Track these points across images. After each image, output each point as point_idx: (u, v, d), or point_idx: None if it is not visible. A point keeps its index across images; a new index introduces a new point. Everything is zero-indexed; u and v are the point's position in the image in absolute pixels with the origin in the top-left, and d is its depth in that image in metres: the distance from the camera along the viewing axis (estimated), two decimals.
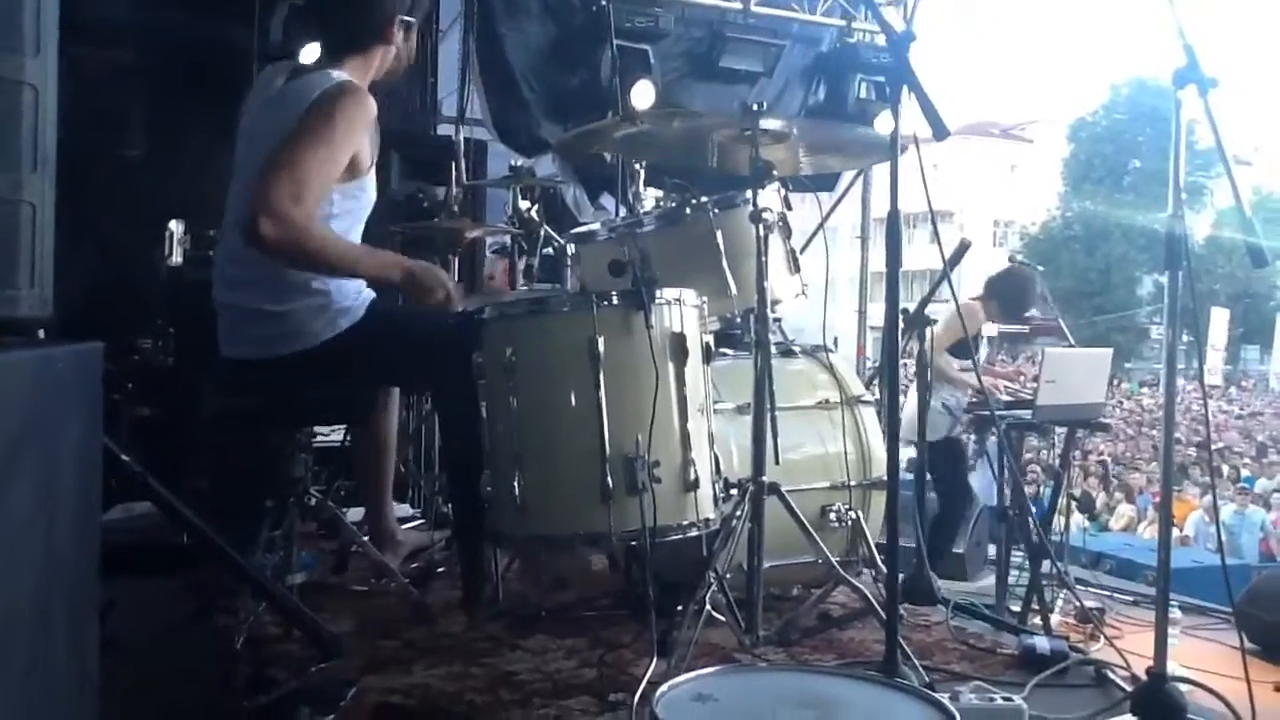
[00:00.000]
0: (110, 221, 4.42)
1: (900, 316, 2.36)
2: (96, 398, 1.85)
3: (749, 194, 2.79)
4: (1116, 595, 3.70)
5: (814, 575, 2.99)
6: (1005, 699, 2.27)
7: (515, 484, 2.47)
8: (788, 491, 2.71)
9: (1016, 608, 3.27)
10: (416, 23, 2.88)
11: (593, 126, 3.28)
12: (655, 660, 2.34)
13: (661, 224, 3.01)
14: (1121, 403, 22.42)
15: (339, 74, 2.66)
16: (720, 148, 2.92)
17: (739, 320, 2.97)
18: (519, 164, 4.51)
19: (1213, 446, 13.84)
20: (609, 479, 2.40)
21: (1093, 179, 36.73)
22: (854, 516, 3.03)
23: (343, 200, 2.68)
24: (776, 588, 3.06)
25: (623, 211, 4.33)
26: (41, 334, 1.73)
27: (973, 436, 4.92)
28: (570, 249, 3.35)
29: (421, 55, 5.70)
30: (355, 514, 3.47)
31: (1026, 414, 3.56)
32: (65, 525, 1.68)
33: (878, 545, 2.99)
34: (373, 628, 2.83)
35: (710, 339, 2.67)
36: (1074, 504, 4.00)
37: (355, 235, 2.79)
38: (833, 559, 2.76)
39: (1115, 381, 25.37)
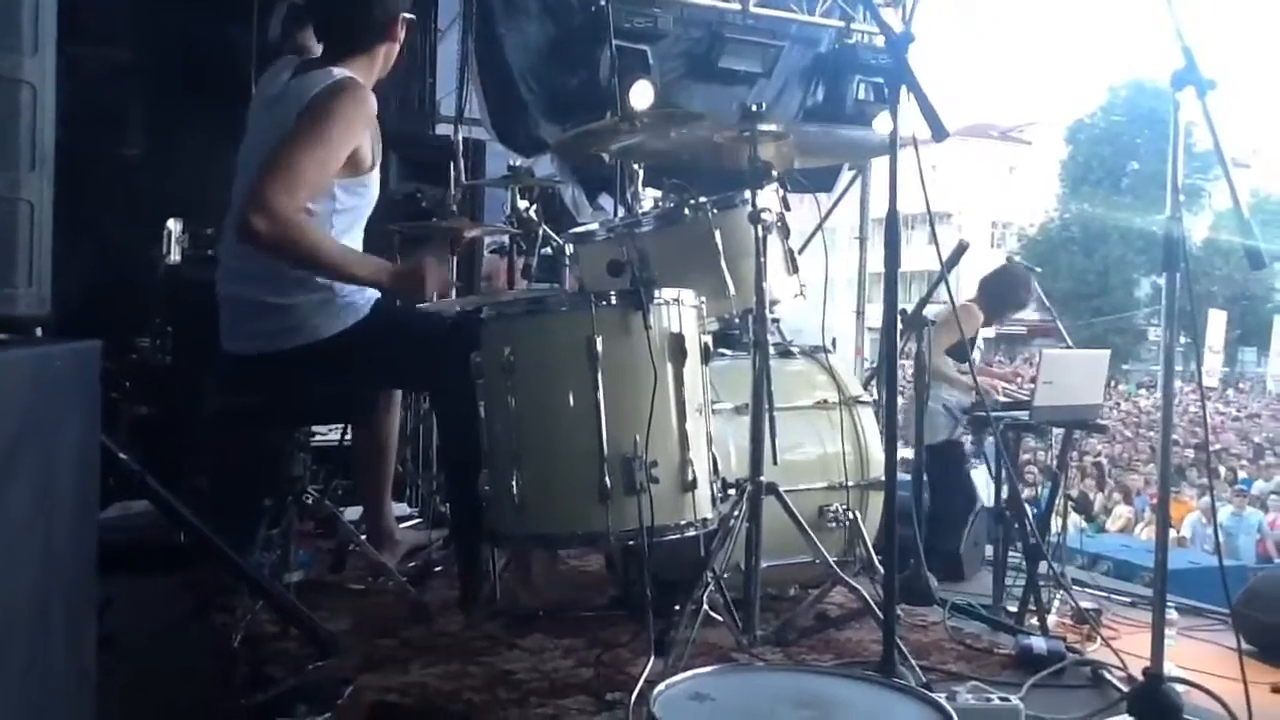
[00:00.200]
0: (108, 220, 4.41)
1: (898, 317, 2.37)
2: (94, 396, 1.85)
3: (747, 194, 2.79)
4: (1113, 596, 3.71)
5: (811, 575, 3.00)
6: (1002, 699, 2.27)
7: (513, 483, 2.47)
8: (785, 492, 2.71)
9: (1014, 608, 3.27)
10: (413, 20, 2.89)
11: (591, 127, 3.28)
12: (652, 660, 2.34)
13: (660, 224, 3.01)
14: (1119, 404, 22.44)
15: (340, 71, 2.67)
16: (719, 147, 2.92)
17: (737, 320, 2.96)
18: (517, 164, 4.51)
19: (1210, 448, 13.85)
20: (607, 479, 2.40)
21: (1091, 181, 36.75)
22: (851, 517, 3.04)
23: (345, 196, 2.69)
24: (774, 588, 3.06)
25: (621, 211, 4.33)
26: (39, 332, 1.73)
27: (970, 437, 4.92)
28: (569, 249, 3.35)
29: (420, 55, 5.73)
30: (353, 513, 3.47)
31: (1024, 415, 3.57)
32: (63, 523, 1.68)
33: (875, 546, 2.99)
34: (370, 626, 2.84)
35: (709, 339, 2.67)
36: (1071, 505, 4.00)
37: (357, 232, 2.80)
38: (830, 559, 2.76)
39: (1113, 383, 25.40)
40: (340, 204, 2.66)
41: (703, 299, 2.69)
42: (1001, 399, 4.30)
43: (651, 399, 2.42)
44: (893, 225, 2.23)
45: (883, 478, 2.96)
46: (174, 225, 4.24)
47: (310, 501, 2.95)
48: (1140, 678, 2.35)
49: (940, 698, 1.83)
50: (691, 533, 2.54)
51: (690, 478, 2.50)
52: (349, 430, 3.57)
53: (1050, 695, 2.56)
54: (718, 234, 2.91)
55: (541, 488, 2.48)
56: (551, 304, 2.64)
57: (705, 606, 2.51)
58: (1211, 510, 8.84)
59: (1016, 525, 3.38)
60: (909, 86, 2.19)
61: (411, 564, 3.30)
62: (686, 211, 2.98)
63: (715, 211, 2.94)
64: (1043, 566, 3.26)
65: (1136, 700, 2.33)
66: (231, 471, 3.50)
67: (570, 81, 6.13)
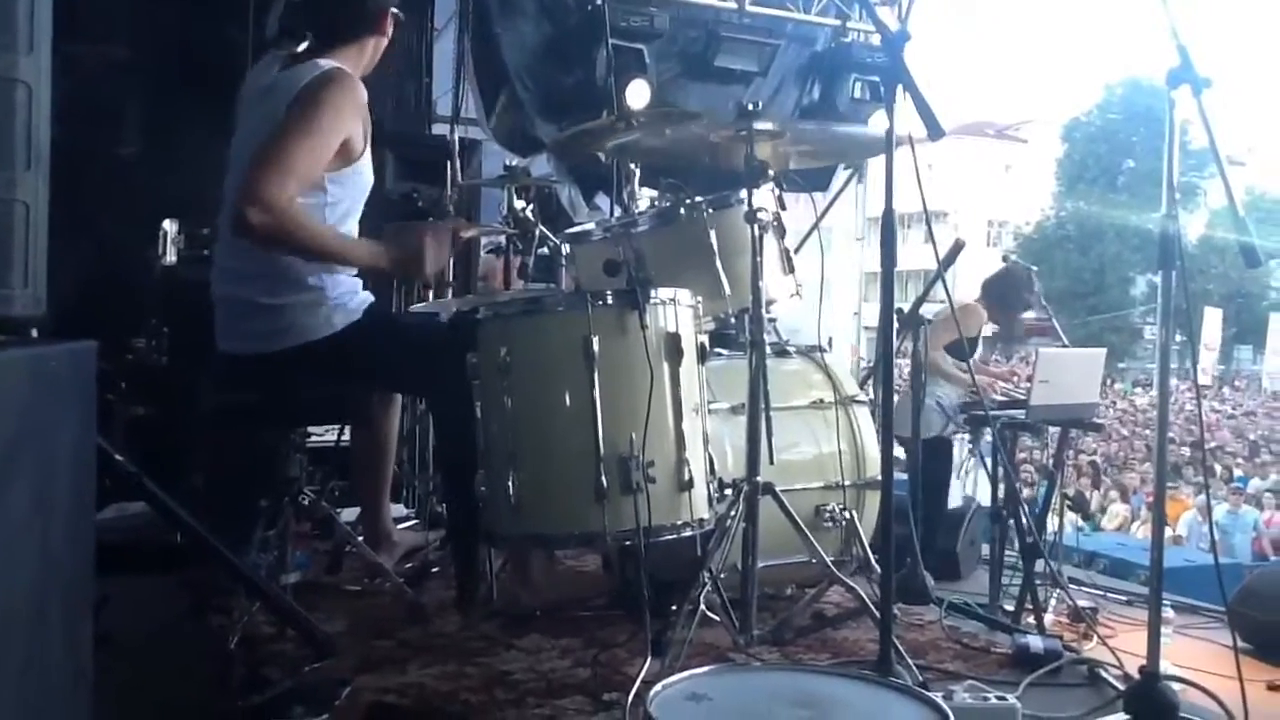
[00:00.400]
0: (104, 219, 4.41)
1: (895, 316, 2.37)
2: (90, 397, 1.84)
3: (743, 194, 2.79)
4: (1110, 594, 3.71)
5: (808, 575, 3.00)
6: (999, 698, 2.28)
7: (510, 484, 2.47)
8: (782, 491, 2.71)
9: (1010, 607, 3.27)
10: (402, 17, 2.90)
11: (588, 126, 3.28)
12: (650, 660, 2.34)
13: (656, 224, 3.01)
14: (1114, 403, 22.47)
15: (327, 62, 2.67)
16: (715, 147, 2.92)
17: (734, 320, 2.97)
18: (514, 163, 4.51)
19: (1206, 446, 13.86)
20: (603, 479, 2.40)
21: (1087, 179, 36.76)
22: (848, 516, 3.04)
23: (337, 187, 2.69)
24: (771, 587, 3.06)
25: (617, 211, 4.33)
26: (35, 333, 1.73)
27: (967, 436, 4.92)
28: (565, 249, 3.35)
29: (417, 55, 5.73)
30: (349, 514, 3.47)
31: (1020, 414, 3.57)
32: (59, 524, 1.67)
33: (871, 545, 2.99)
34: (367, 627, 2.83)
35: (705, 339, 2.67)
36: (1067, 504, 4.00)
37: (352, 221, 2.80)
38: (827, 559, 2.77)
39: (1109, 381, 25.42)
40: (331, 197, 2.66)
41: (699, 299, 2.69)
42: (999, 398, 4.30)
43: (648, 399, 2.42)
44: (889, 224, 2.24)
45: (879, 477, 2.98)
46: (170, 225, 4.24)
47: (307, 502, 2.95)
48: (1137, 676, 2.35)
49: (937, 697, 1.84)
50: (688, 533, 2.54)
51: (687, 478, 2.50)
52: (345, 431, 3.57)
53: (1047, 694, 2.56)
54: (714, 233, 2.91)
55: (538, 488, 2.48)
56: (548, 304, 2.64)
57: (702, 606, 2.51)
58: (1208, 508, 8.87)
59: (1013, 524, 3.38)
60: (905, 85, 2.19)
61: (408, 565, 3.30)
62: (682, 211, 2.98)
63: (711, 211, 2.94)
64: (1039, 565, 3.26)
65: (1133, 698, 2.33)
66: (228, 472, 3.50)
67: (566, 81, 6.13)
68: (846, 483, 3.08)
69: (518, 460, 2.49)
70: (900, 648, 2.37)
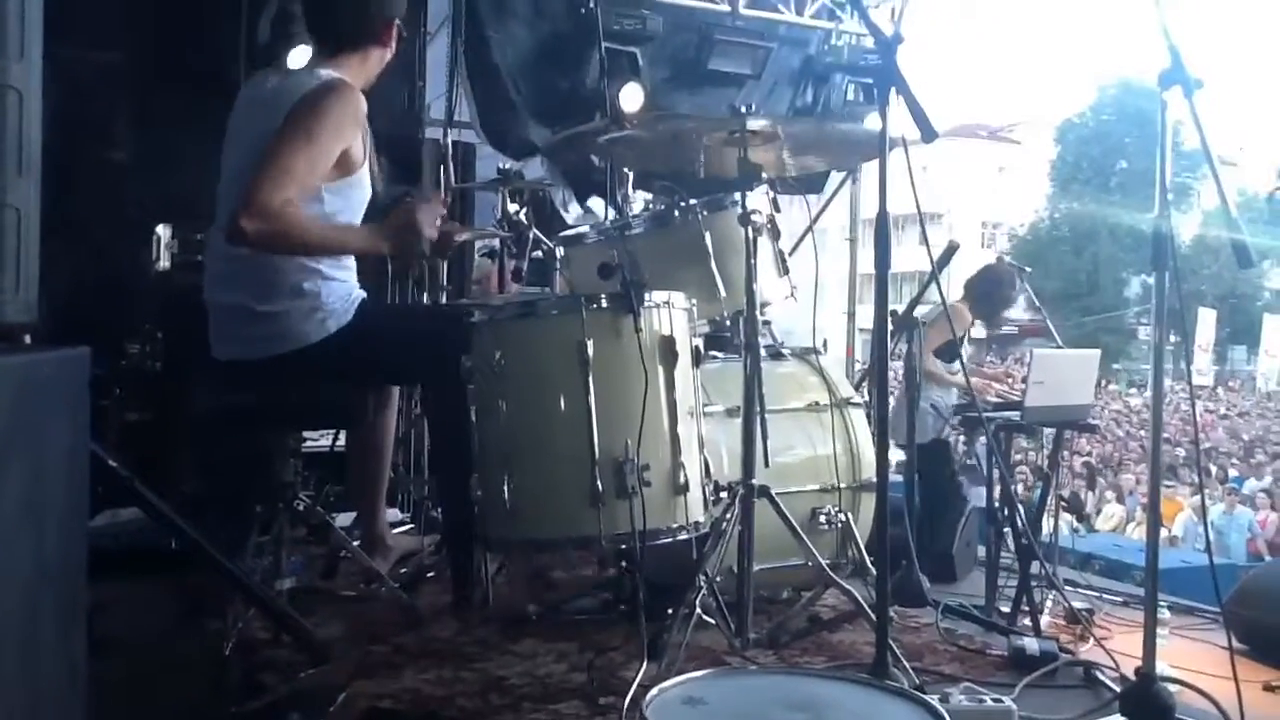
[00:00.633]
0: (97, 225, 4.39)
1: (889, 319, 2.37)
2: (84, 403, 1.84)
3: (737, 196, 2.79)
4: (1105, 596, 3.71)
5: (804, 578, 2.99)
6: (995, 700, 2.28)
7: (504, 488, 2.47)
8: (777, 494, 2.71)
9: (1006, 609, 3.27)
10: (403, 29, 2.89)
11: (581, 129, 3.28)
12: (645, 663, 2.34)
13: (650, 227, 3.01)
14: (1108, 404, 22.50)
15: (327, 72, 2.67)
16: (709, 151, 2.92)
17: (728, 323, 2.97)
18: (507, 167, 4.51)
19: (1201, 447, 13.90)
20: (599, 482, 2.40)
21: (1080, 180, 36.85)
22: (844, 519, 3.04)
23: (336, 198, 2.68)
24: (766, 590, 3.06)
25: (611, 214, 4.33)
26: (28, 339, 1.72)
27: (963, 437, 4.93)
28: (559, 252, 3.35)
29: (410, 58, 5.72)
30: (344, 518, 3.46)
31: (1015, 415, 3.57)
32: (53, 530, 1.67)
33: (867, 547, 2.99)
34: (362, 633, 2.82)
35: (699, 342, 2.67)
36: (1062, 505, 4.00)
37: None
38: (823, 561, 2.77)
39: (1104, 383, 25.47)
40: (329, 207, 2.66)
41: (693, 301, 2.70)
42: (993, 400, 4.31)
43: (643, 402, 2.42)
44: (882, 226, 2.24)
45: (874, 479, 2.98)
46: (163, 231, 4.23)
47: (302, 508, 2.94)
48: (1133, 677, 2.35)
49: (933, 699, 1.84)
50: (684, 536, 2.54)
51: (682, 481, 2.50)
52: (340, 435, 3.56)
53: (1043, 696, 2.56)
54: (708, 236, 2.92)
55: (533, 492, 2.48)
56: (542, 308, 2.64)
57: (698, 610, 2.51)
58: (1203, 509, 8.87)
59: (1008, 526, 3.38)
60: (898, 88, 2.19)
61: (404, 570, 3.29)
62: (677, 214, 2.98)
63: (705, 214, 2.94)
64: (1035, 567, 3.26)
65: (1129, 700, 2.33)
66: (222, 477, 3.49)
67: (560, 84, 6.13)
68: (842, 485, 3.08)
69: (513, 464, 2.48)
70: (896, 650, 2.36)
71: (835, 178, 7.38)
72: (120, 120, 4.98)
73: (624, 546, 2.47)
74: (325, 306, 2.70)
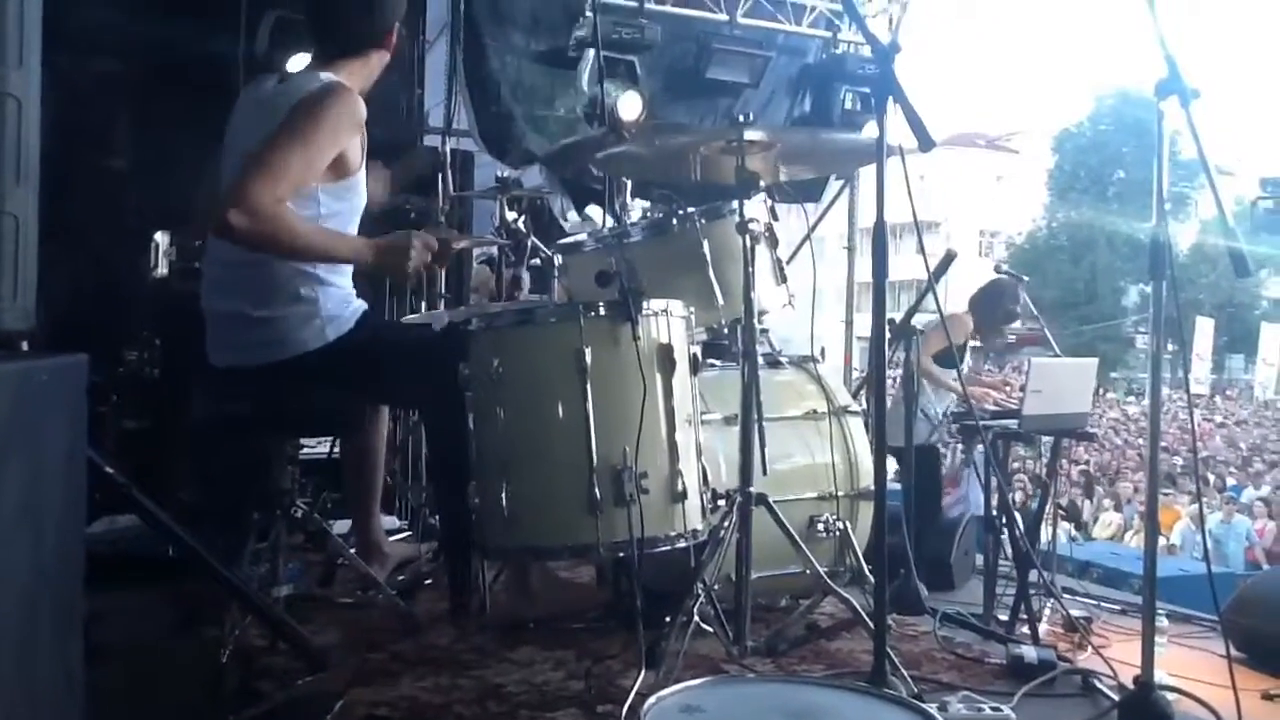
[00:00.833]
0: (95, 232, 4.39)
1: (887, 327, 2.37)
2: (81, 410, 1.84)
3: (735, 204, 2.79)
4: (1104, 604, 3.71)
5: (802, 586, 2.99)
6: (994, 709, 2.28)
7: (502, 495, 2.46)
8: (775, 502, 2.71)
9: (1004, 617, 3.27)
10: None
11: (579, 138, 3.29)
12: (643, 672, 2.33)
13: (648, 235, 3.01)
14: (1105, 413, 22.51)
15: (327, 75, 2.67)
16: (706, 160, 2.93)
17: (726, 331, 2.97)
18: (506, 175, 4.51)
19: (1199, 455, 13.91)
20: (596, 490, 2.40)
21: (1078, 189, 36.94)
22: (841, 527, 3.04)
23: (331, 201, 2.67)
24: (764, 598, 3.05)
25: (609, 222, 4.33)
26: (25, 346, 1.72)
27: (960, 445, 4.93)
28: (557, 260, 3.35)
29: (409, 66, 5.73)
30: (342, 526, 3.46)
31: (1013, 423, 3.57)
32: (49, 537, 1.67)
33: (865, 555, 2.99)
34: (359, 640, 2.82)
35: (697, 350, 2.67)
36: (1060, 513, 4.00)
37: None
38: (820, 569, 2.76)
39: (1101, 391, 25.47)
40: (325, 209, 2.65)
41: (691, 309, 2.70)
42: (991, 408, 4.31)
43: (641, 410, 2.42)
44: (880, 235, 2.24)
45: (872, 487, 2.97)
46: (161, 238, 4.23)
47: (299, 515, 2.93)
48: (1131, 686, 2.35)
49: (932, 708, 1.83)
50: (682, 544, 2.54)
51: (680, 489, 2.50)
52: (337, 443, 3.56)
53: (1042, 704, 2.56)
54: (706, 244, 2.92)
55: (531, 499, 2.48)
56: (540, 315, 2.64)
57: (696, 618, 2.50)
58: (1200, 517, 8.89)
59: (1006, 534, 3.38)
60: (895, 97, 2.20)
61: (401, 577, 3.28)
62: (674, 222, 2.98)
63: (703, 222, 2.94)
64: (1033, 575, 3.26)
65: (1127, 708, 2.34)
66: (219, 485, 3.48)
67: (557, 92, 6.14)
68: (840, 493, 3.08)
69: (510, 472, 2.48)
70: (894, 659, 2.36)
71: (833, 186, 7.40)
72: (119, 128, 4.99)
73: (622, 554, 2.47)
74: (323, 313, 2.69)
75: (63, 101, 2.09)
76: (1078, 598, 3.67)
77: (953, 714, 2.21)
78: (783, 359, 3.36)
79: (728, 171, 2.81)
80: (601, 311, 2.47)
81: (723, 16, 6.65)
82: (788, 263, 3.16)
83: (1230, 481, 13.76)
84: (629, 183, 3.37)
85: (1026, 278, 5.47)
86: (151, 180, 4.66)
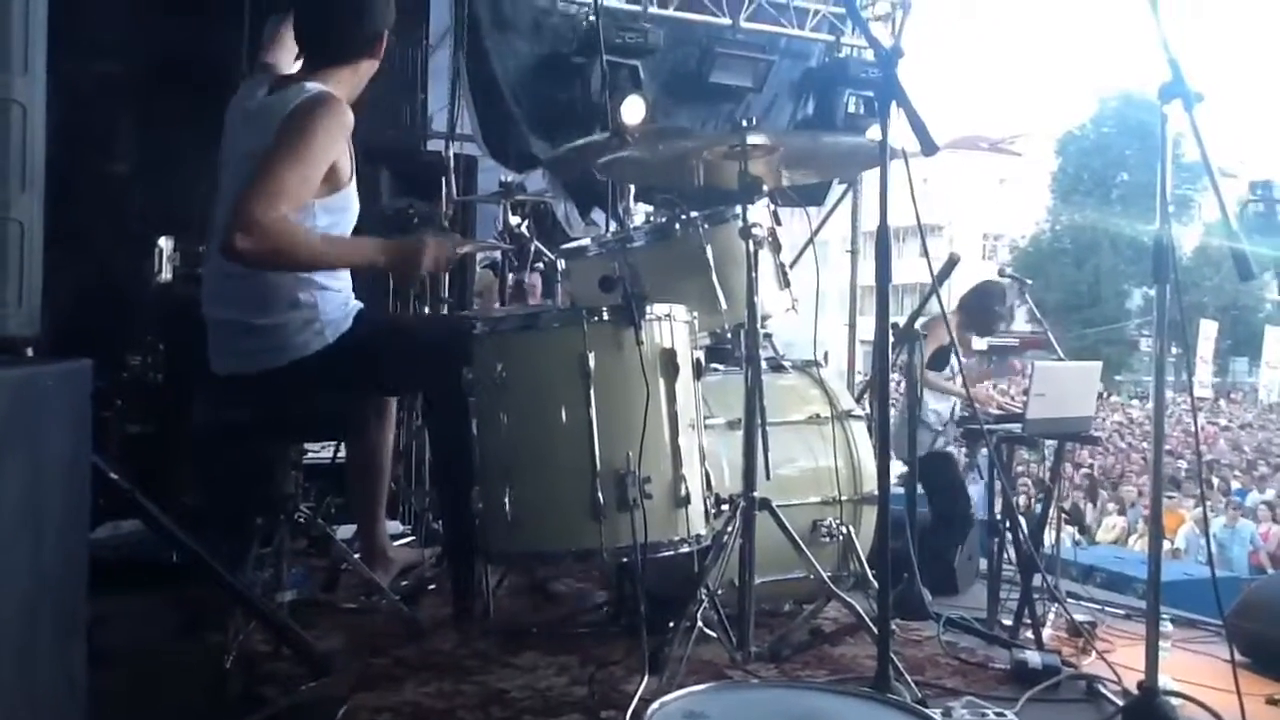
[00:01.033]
0: (99, 237, 4.41)
1: (890, 331, 2.37)
2: (85, 415, 1.84)
3: (738, 209, 2.79)
4: (1108, 609, 3.71)
5: (805, 591, 2.99)
6: (997, 714, 2.28)
7: (506, 500, 2.46)
8: (779, 507, 2.70)
9: (1008, 622, 3.26)
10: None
11: (583, 142, 3.29)
12: (647, 677, 2.33)
13: (652, 239, 3.01)
14: (1109, 416, 22.47)
15: (314, 85, 2.66)
16: (709, 164, 2.93)
17: (729, 335, 2.97)
18: (509, 179, 4.52)
19: (1203, 459, 13.88)
20: (600, 495, 2.40)
21: (1081, 192, 36.90)
22: (845, 531, 3.03)
23: (327, 214, 2.67)
24: (768, 603, 3.05)
25: (613, 227, 4.34)
26: (30, 352, 1.72)
27: (964, 449, 4.92)
28: (561, 264, 3.35)
29: (412, 70, 5.74)
30: (345, 531, 3.46)
31: (1016, 427, 3.57)
32: (52, 541, 1.67)
33: (868, 560, 2.99)
34: (363, 645, 2.82)
35: (701, 354, 2.67)
36: (1064, 517, 4.00)
37: None
38: (824, 574, 2.76)
39: (1105, 394, 25.44)
40: (322, 222, 2.65)
41: (695, 314, 2.70)
42: (995, 412, 4.31)
43: (644, 414, 2.41)
44: (883, 238, 2.24)
45: (876, 492, 2.97)
46: (165, 243, 4.23)
47: (302, 520, 2.94)
48: (1135, 691, 2.35)
49: (936, 713, 1.83)
50: (685, 549, 2.54)
51: (683, 493, 2.50)
52: (341, 448, 3.56)
53: (1046, 709, 2.55)
54: (709, 249, 2.92)
55: (534, 504, 2.48)
56: (543, 320, 2.64)
57: (699, 623, 2.50)
58: (1204, 521, 8.86)
59: (1010, 538, 3.38)
60: (898, 101, 2.20)
61: (405, 582, 3.28)
62: (678, 227, 2.98)
63: (706, 226, 2.94)
64: (1037, 579, 3.26)
65: (1131, 713, 2.33)
66: (223, 489, 3.48)
67: (561, 96, 6.14)
68: (843, 498, 3.08)
69: (514, 476, 2.48)
70: (898, 664, 2.35)
71: (836, 190, 7.40)
72: (122, 133, 5.00)
73: (625, 559, 2.47)
74: (322, 317, 2.70)
75: (66, 106, 2.10)
76: (1082, 602, 3.67)
77: (957, 719, 2.21)
78: (786, 363, 3.36)
79: (731, 176, 2.81)
80: (605, 316, 2.48)
81: (726, 21, 6.65)
82: (791, 267, 3.16)
83: (1234, 485, 13.72)
84: (632, 187, 3.37)
85: (1030, 281, 5.47)
86: (155, 185, 4.67)
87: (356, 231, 2.83)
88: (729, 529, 2.63)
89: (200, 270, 3.30)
